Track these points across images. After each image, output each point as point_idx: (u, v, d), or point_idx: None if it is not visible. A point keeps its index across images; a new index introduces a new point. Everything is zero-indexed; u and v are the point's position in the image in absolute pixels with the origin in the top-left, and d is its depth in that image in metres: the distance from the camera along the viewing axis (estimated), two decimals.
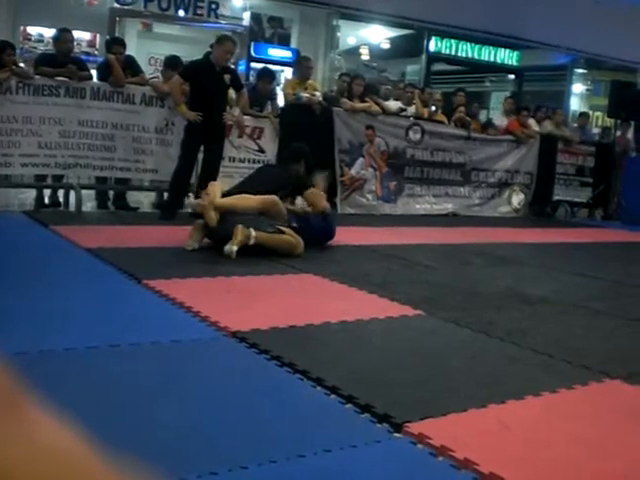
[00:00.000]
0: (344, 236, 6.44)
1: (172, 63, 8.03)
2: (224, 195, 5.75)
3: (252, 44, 12.76)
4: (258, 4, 12.77)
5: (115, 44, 7.83)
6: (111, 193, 8.18)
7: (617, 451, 2.47)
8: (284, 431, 2.40)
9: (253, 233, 5.41)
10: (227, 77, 7.33)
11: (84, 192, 7.52)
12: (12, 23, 11.28)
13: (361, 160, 9.17)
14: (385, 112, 9.39)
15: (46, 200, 7.66)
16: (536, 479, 2.23)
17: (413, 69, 15.34)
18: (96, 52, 12.07)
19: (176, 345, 3.26)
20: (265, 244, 5.50)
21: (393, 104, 9.80)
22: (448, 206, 9.97)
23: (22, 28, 11.60)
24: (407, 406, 2.66)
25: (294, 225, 5.83)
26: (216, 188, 5.80)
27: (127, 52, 8.09)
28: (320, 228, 6.17)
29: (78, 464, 0.34)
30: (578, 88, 17.27)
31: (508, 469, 2.22)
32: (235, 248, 5.28)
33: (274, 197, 5.77)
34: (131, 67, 7.83)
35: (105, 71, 7.63)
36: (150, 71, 9.81)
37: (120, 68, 7.56)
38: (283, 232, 5.63)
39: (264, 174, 6.34)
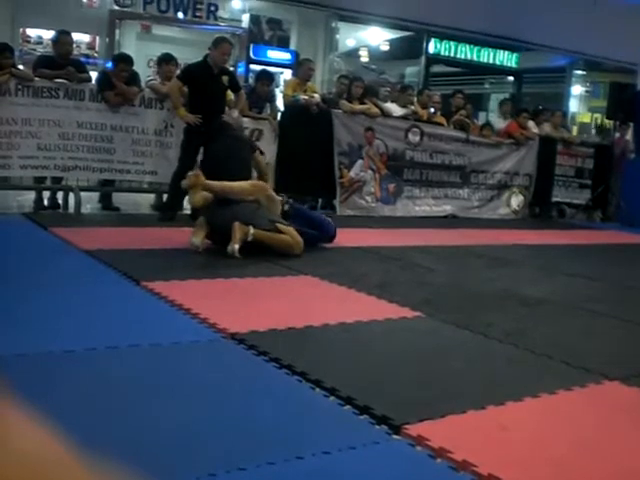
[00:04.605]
0: (343, 238, 6.44)
1: (164, 58, 8.12)
2: None
3: (251, 46, 12.76)
4: (257, 6, 12.77)
5: (122, 62, 7.77)
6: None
7: (615, 452, 2.47)
8: (282, 433, 2.40)
9: (251, 230, 5.45)
10: (225, 79, 7.33)
11: (83, 194, 7.52)
12: (11, 25, 11.28)
13: (360, 162, 9.17)
14: (384, 114, 9.39)
15: (45, 202, 7.65)
16: None
17: (412, 71, 15.34)
18: (95, 54, 12.07)
19: (175, 347, 3.26)
20: (263, 242, 5.53)
21: (398, 109, 9.76)
22: (447, 208, 9.96)
23: (21, 30, 11.59)
24: (406, 408, 2.66)
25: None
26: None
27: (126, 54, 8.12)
28: (314, 234, 6.19)
29: (53, 468, 0.34)
30: (577, 90, 17.27)
31: (507, 470, 2.22)
32: (237, 247, 5.33)
33: (263, 183, 5.97)
34: (133, 83, 7.78)
35: (104, 84, 7.58)
36: (148, 73, 9.80)
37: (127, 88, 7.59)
38: (281, 231, 5.66)
39: (230, 156, 6.23)
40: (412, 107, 9.91)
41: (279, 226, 5.69)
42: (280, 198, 6.09)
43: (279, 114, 8.84)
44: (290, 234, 5.72)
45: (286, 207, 6.06)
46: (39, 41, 11.59)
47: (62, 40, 7.63)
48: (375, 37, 14.59)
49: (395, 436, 2.45)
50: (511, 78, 16.19)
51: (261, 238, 5.54)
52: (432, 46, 14.26)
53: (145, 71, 10.04)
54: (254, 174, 6.45)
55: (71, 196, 7.46)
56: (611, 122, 12.71)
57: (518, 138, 10.51)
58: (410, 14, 13.11)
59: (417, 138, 9.58)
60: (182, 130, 7.36)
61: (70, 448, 0.36)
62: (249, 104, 8.22)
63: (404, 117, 9.65)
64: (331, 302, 4.42)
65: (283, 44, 13.22)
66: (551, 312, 4.62)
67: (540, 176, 10.83)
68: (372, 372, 3.09)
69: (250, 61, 12.65)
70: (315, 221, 6.35)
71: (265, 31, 13.14)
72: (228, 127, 6.89)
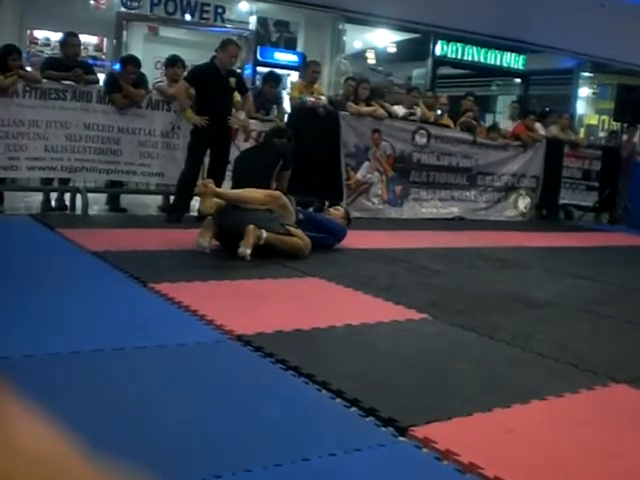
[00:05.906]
0: (350, 240, 6.44)
1: (171, 60, 8.14)
2: None
3: (258, 48, 12.78)
4: (264, 8, 12.79)
5: (129, 64, 7.79)
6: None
7: (622, 455, 2.46)
8: (289, 434, 2.40)
9: (264, 234, 5.44)
10: (232, 81, 7.34)
11: (90, 195, 7.54)
12: (19, 27, 11.32)
13: (367, 164, 9.17)
14: (391, 116, 9.38)
15: (53, 203, 7.68)
16: None
17: (419, 73, 15.35)
18: (103, 56, 12.11)
19: (181, 348, 3.26)
20: (274, 245, 5.53)
21: (403, 111, 9.76)
22: (454, 210, 9.95)
23: (29, 32, 11.63)
24: (412, 410, 2.66)
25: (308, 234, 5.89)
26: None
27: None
28: (323, 238, 6.19)
29: (59, 468, 0.34)
30: (584, 92, 17.24)
31: (513, 473, 2.21)
32: (249, 251, 5.33)
33: (279, 192, 5.88)
34: (140, 85, 7.80)
35: (112, 86, 7.61)
36: (156, 75, 9.83)
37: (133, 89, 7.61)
38: (292, 234, 5.67)
39: (252, 161, 6.33)
40: (418, 109, 9.89)
41: (289, 228, 5.70)
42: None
43: (286, 116, 8.85)
44: (299, 236, 5.73)
45: (300, 216, 6.05)
46: (47, 43, 11.64)
47: (70, 42, 7.65)
48: (382, 39, 14.60)
49: (401, 438, 2.44)
50: (518, 80, 16.19)
51: (273, 242, 5.54)
52: (439, 48, 14.27)
53: (152, 73, 10.08)
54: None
55: (78, 197, 7.47)
56: (618, 124, 12.68)
57: (525, 140, 10.49)
58: (417, 16, 13.11)
59: (424, 140, 9.57)
60: (189, 132, 7.38)
61: (76, 448, 0.36)
62: (256, 106, 8.24)
63: (405, 118, 9.63)
64: (337, 304, 4.41)
65: (290, 46, 13.25)
66: (557, 314, 4.60)
67: (547, 178, 10.81)
68: (378, 374, 3.09)
69: (257, 63, 12.68)
70: (327, 227, 6.33)
71: (272, 33, 13.17)
72: (278, 134, 6.79)
